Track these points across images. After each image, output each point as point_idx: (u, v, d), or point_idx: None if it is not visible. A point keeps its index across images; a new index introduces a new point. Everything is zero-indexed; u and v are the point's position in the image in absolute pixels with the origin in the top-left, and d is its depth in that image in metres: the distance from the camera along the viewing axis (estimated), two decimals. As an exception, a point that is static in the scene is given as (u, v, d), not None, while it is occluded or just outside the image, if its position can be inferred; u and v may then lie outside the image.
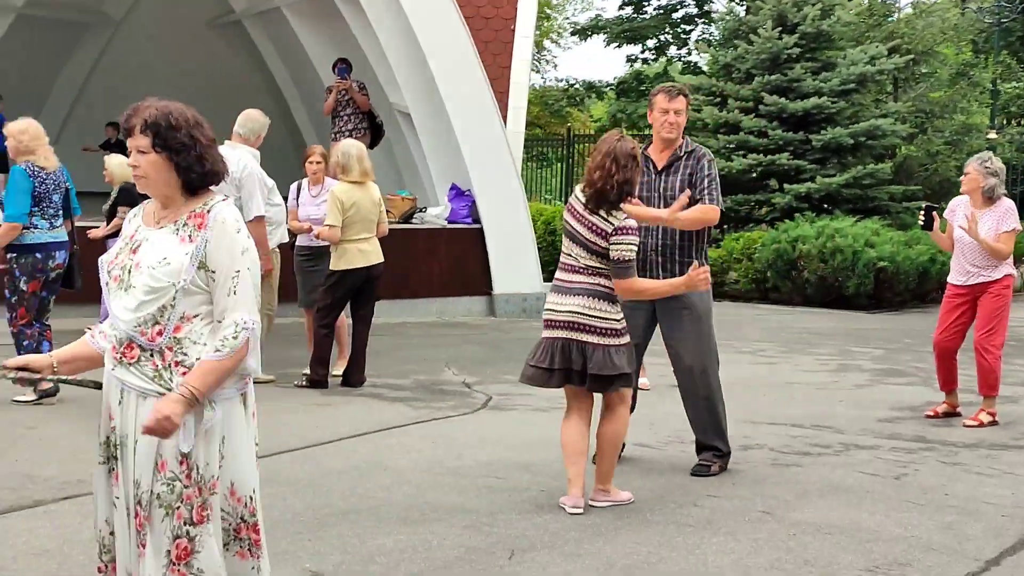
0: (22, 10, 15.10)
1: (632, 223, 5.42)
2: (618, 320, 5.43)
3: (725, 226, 18.62)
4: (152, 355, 3.22)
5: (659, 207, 6.06)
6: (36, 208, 7.59)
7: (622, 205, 5.40)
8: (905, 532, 5.28)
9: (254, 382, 3.39)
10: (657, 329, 6.33)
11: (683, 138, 6.31)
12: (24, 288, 7.64)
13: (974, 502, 5.83)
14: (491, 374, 9.44)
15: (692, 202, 6.04)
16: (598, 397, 5.59)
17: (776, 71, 18.99)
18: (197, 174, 3.28)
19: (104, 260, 3.38)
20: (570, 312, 5.39)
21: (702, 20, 33.39)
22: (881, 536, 5.20)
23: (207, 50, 18.10)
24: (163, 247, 3.24)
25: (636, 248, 5.43)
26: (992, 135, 22.12)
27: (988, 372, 7.83)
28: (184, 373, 3.19)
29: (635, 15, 33.83)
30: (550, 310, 5.48)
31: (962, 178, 7.99)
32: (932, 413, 8.11)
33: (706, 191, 6.13)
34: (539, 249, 14.55)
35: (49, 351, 4.47)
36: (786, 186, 18.29)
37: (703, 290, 5.82)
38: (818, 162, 18.51)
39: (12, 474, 5.83)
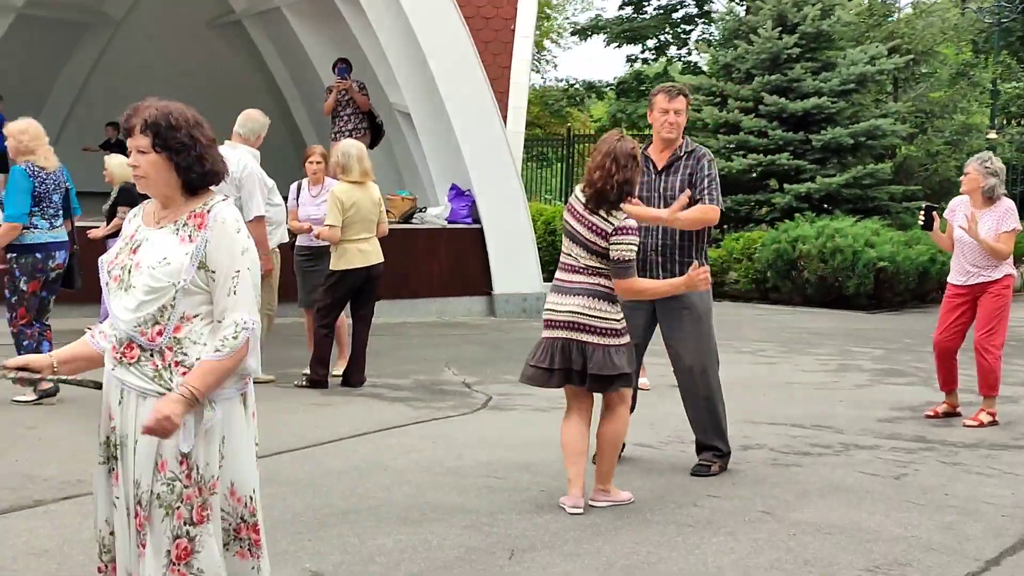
0: (22, 10, 15.10)
1: (632, 223, 5.42)
2: (618, 320, 5.43)
3: (725, 226, 18.61)
4: (152, 355, 3.22)
5: (659, 207, 6.06)
6: (36, 208, 7.59)
7: (622, 205, 5.40)
8: (905, 532, 5.27)
9: (254, 382, 3.39)
10: (657, 329, 6.34)
11: (683, 138, 6.31)
12: (24, 288, 7.64)
13: (974, 502, 5.83)
14: (491, 374, 9.44)
15: (692, 202, 6.04)
16: (598, 397, 5.59)
17: (776, 71, 18.99)
18: (197, 174, 3.28)
19: (104, 260, 3.38)
20: (570, 312, 5.39)
21: (702, 20, 33.38)
22: (881, 536, 5.20)
23: (207, 50, 18.09)
24: (163, 247, 3.24)
25: (636, 248, 5.43)
26: (992, 135, 22.11)
27: (988, 372, 7.83)
28: (184, 373, 3.19)
29: (635, 15, 33.81)
30: (550, 310, 5.48)
31: (962, 178, 7.99)
32: (932, 413, 8.11)
33: (706, 191, 6.13)
34: (539, 249, 14.55)
35: (49, 351, 4.47)
36: (786, 186, 18.30)
37: (703, 290, 5.82)
38: (818, 162, 18.51)
39: (12, 474, 5.83)
